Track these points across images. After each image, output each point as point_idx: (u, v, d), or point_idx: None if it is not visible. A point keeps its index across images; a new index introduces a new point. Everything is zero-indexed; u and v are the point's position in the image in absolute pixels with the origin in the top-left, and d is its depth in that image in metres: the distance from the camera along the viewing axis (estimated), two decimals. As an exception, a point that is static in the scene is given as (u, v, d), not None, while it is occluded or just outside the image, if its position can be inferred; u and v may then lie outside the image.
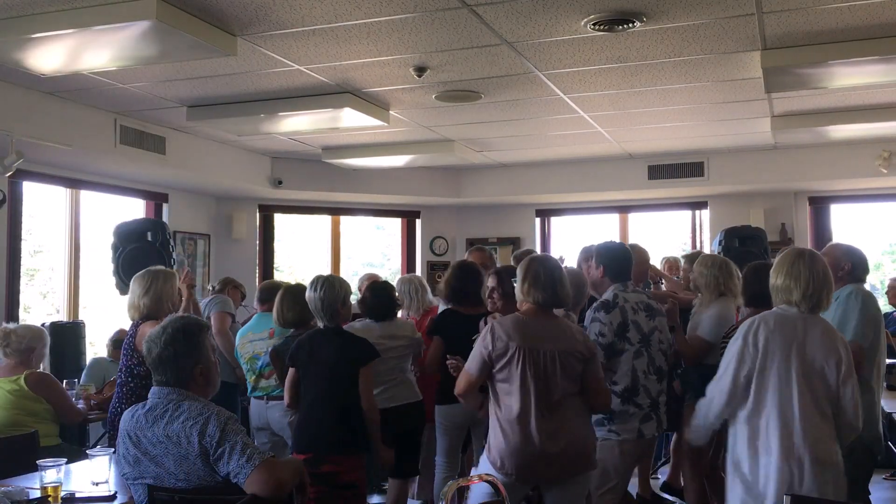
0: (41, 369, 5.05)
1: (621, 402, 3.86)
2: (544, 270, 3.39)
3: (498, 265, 5.40)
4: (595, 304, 4.05)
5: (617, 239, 9.14)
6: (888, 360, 5.14)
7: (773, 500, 2.98)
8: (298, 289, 4.52)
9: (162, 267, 4.49)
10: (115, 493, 3.17)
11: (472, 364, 3.35)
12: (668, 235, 9.55)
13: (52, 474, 3.03)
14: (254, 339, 5.08)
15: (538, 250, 9.46)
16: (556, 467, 3.25)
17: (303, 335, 4.11)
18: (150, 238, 6.19)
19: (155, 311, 4.13)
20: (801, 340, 3.08)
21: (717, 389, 3.16)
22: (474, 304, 4.59)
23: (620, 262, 4.10)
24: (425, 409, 4.67)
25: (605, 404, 3.55)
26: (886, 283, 6.70)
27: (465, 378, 3.38)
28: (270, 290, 5.29)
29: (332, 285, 3.96)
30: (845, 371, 3.06)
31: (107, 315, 7.22)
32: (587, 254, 4.88)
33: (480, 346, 3.32)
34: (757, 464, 3.05)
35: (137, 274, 4.29)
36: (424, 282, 5.74)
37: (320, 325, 4.03)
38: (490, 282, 4.36)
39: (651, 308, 4.05)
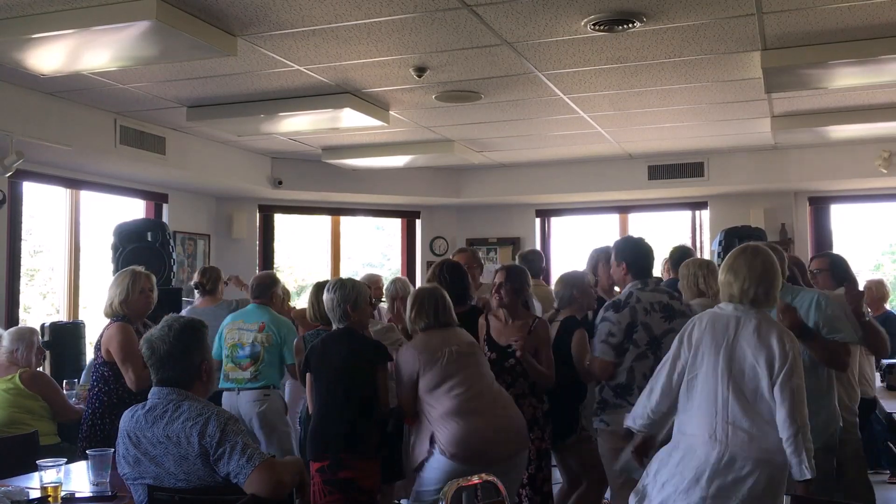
0: (39, 368, 5.08)
1: (615, 396, 3.92)
2: (426, 299, 3.84)
3: (497, 265, 5.41)
4: (606, 304, 4.03)
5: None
6: (888, 361, 5.15)
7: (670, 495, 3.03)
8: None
9: (132, 267, 4.38)
10: (115, 493, 3.17)
11: (402, 391, 3.76)
12: (668, 236, 9.55)
13: (52, 474, 3.03)
14: (242, 327, 5.20)
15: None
16: (497, 446, 3.57)
17: (316, 340, 4.08)
18: (150, 238, 6.20)
19: (126, 313, 4.19)
20: (732, 338, 3.04)
21: (657, 383, 3.22)
22: (459, 301, 4.56)
23: (642, 257, 4.06)
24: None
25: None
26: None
27: (402, 404, 3.79)
28: (265, 285, 5.41)
29: (343, 286, 3.94)
30: (779, 368, 2.93)
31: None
32: (596, 257, 4.89)
33: (403, 373, 3.74)
34: (679, 457, 3.06)
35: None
36: (409, 286, 5.74)
37: (334, 327, 3.97)
38: (498, 278, 4.37)
39: (670, 309, 3.95)
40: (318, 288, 4.59)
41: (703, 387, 3.07)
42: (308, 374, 3.93)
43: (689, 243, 9.07)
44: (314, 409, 3.87)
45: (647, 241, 4.19)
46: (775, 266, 3.11)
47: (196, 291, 5.97)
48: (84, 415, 4.23)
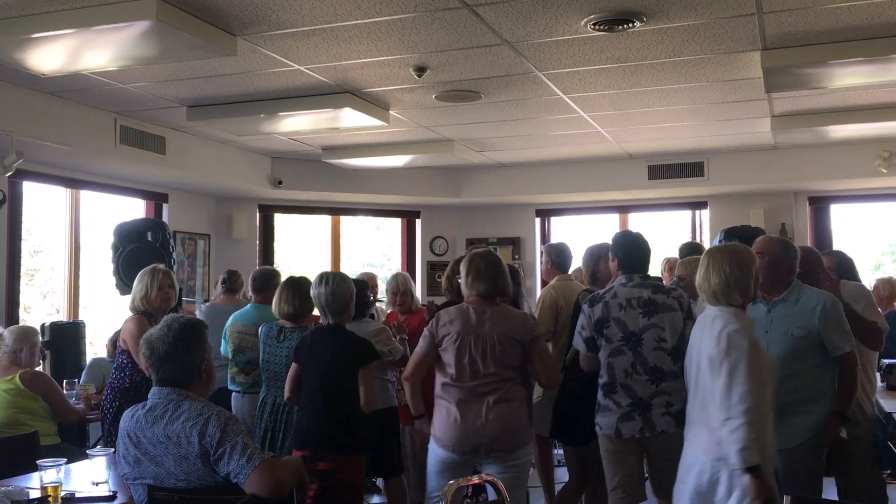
0: (40, 368, 5.09)
1: (603, 396, 3.93)
2: (485, 264, 3.71)
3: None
4: (586, 297, 4.10)
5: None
6: (888, 360, 5.16)
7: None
8: (298, 281, 4.57)
9: (153, 265, 4.65)
10: (115, 493, 3.17)
11: (420, 346, 3.72)
12: (668, 235, 9.55)
13: (52, 474, 3.04)
14: (242, 331, 5.19)
15: (538, 250, 9.48)
16: (486, 442, 3.54)
17: (308, 332, 4.12)
18: (150, 238, 6.20)
19: (147, 308, 4.50)
20: (699, 338, 3.14)
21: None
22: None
23: (633, 253, 4.06)
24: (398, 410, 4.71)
25: (552, 381, 3.87)
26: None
27: (413, 359, 3.74)
28: (266, 278, 5.40)
29: (343, 281, 3.98)
30: (719, 364, 2.96)
31: (107, 315, 7.22)
32: (598, 254, 4.89)
33: (427, 330, 3.70)
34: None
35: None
36: (410, 281, 5.73)
37: (323, 321, 4.00)
38: None
39: (651, 304, 3.87)
40: (290, 284, 4.59)
41: (690, 386, 3.23)
42: (294, 364, 3.99)
43: (689, 243, 9.08)
44: (301, 399, 3.93)
45: (643, 236, 4.17)
46: (722, 264, 3.10)
47: (221, 287, 6.13)
48: (105, 397, 4.53)
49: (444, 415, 3.62)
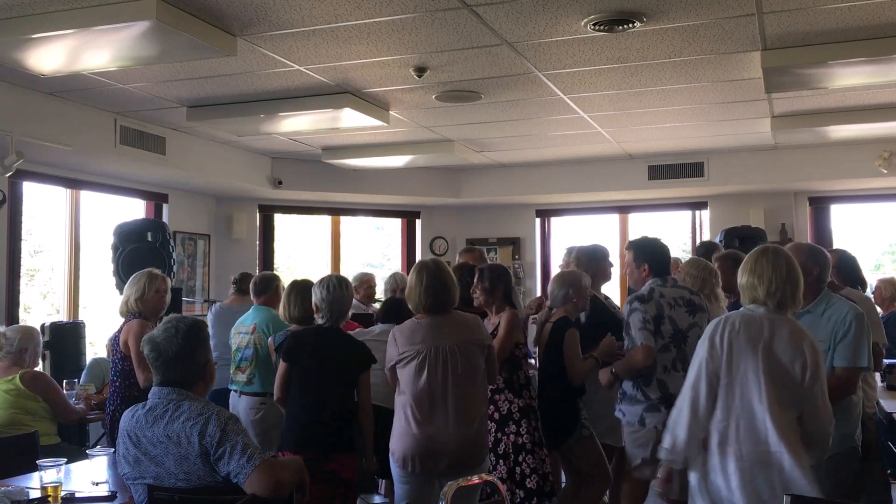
0: (39, 368, 5.09)
1: (632, 386, 4.00)
2: (427, 277, 3.66)
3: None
4: (630, 297, 4.11)
5: (616, 239, 9.19)
6: (888, 361, 5.16)
7: None
8: (305, 284, 4.57)
9: (152, 269, 4.63)
10: (115, 492, 3.17)
11: (389, 375, 3.71)
12: (668, 236, 9.54)
13: (52, 474, 3.04)
14: (241, 330, 5.28)
15: (538, 250, 9.49)
16: (447, 460, 3.52)
17: (301, 332, 4.11)
18: (150, 238, 6.21)
19: (142, 310, 4.43)
20: (768, 340, 2.94)
21: (700, 396, 2.97)
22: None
23: (661, 258, 4.17)
24: None
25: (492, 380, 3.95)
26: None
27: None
28: (266, 282, 5.45)
29: (348, 286, 4.03)
30: (810, 375, 2.89)
31: (107, 315, 7.21)
32: (599, 256, 4.91)
33: (387, 357, 3.66)
34: (726, 470, 2.90)
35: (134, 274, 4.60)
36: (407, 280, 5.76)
37: (325, 323, 3.98)
38: (475, 279, 4.44)
39: (692, 304, 4.05)
40: (297, 287, 4.59)
41: (743, 389, 2.93)
42: (284, 364, 3.94)
43: (689, 243, 9.10)
44: (296, 400, 3.88)
45: (662, 240, 4.27)
46: (797, 267, 3.05)
47: (233, 288, 6.18)
48: (107, 409, 4.45)
49: (401, 432, 3.58)
